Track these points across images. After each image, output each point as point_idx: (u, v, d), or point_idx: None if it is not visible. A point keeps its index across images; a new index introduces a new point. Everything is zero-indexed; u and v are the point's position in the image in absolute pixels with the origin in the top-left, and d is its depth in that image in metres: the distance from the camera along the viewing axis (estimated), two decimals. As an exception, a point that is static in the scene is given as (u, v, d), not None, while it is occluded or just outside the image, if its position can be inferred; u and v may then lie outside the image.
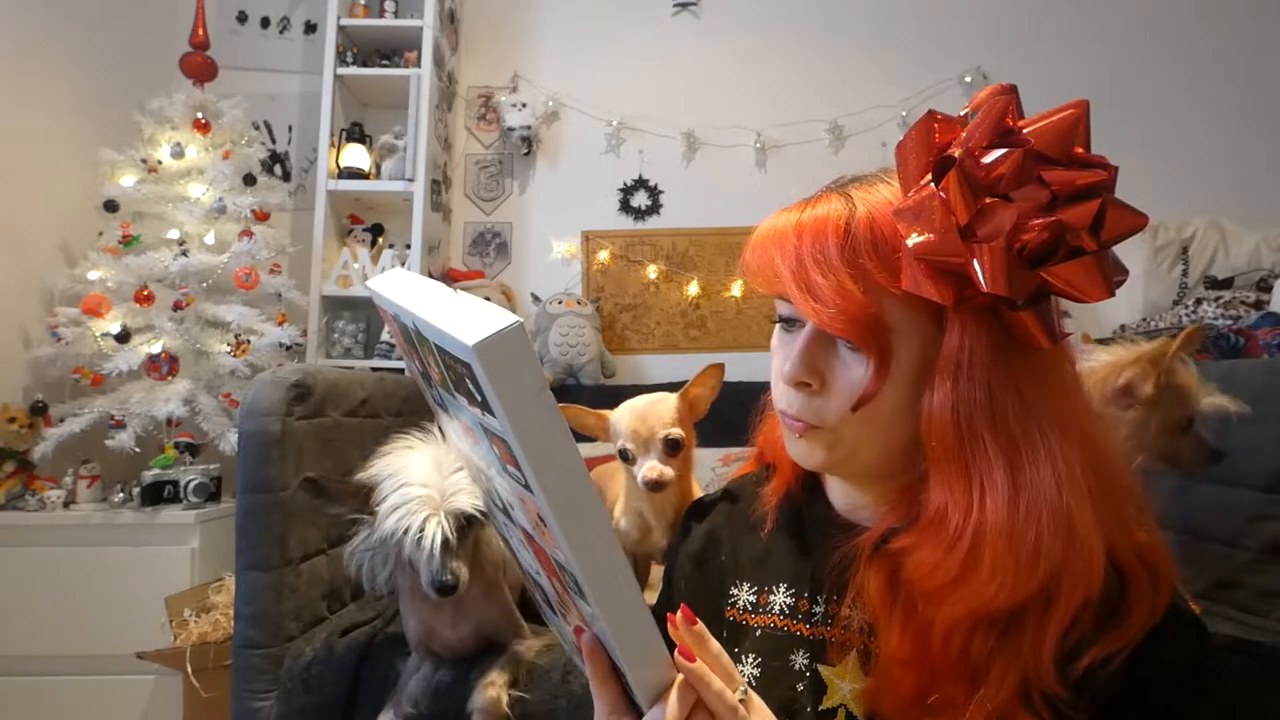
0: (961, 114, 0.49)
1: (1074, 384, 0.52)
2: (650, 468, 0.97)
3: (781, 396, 0.56)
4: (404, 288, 0.48)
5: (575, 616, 0.51)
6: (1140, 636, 0.46)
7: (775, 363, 0.57)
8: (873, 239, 0.49)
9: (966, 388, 0.47)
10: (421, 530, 0.94)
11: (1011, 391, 0.47)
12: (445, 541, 0.94)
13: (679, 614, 0.48)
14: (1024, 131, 0.46)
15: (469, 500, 0.97)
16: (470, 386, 0.39)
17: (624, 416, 1.01)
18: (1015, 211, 0.44)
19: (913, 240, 0.46)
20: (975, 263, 0.45)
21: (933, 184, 0.47)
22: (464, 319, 0.37)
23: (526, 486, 0.41)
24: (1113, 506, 0.49)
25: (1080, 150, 0.46)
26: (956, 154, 0.45)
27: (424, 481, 0.97)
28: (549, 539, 0.44)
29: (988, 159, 0.45)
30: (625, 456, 1.01)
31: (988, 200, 0.45)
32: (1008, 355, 0.47)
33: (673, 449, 0.99)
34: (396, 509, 0.95)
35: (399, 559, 1.00)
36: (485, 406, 0.39)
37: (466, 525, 0.99)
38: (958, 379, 0.47)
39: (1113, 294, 0.45)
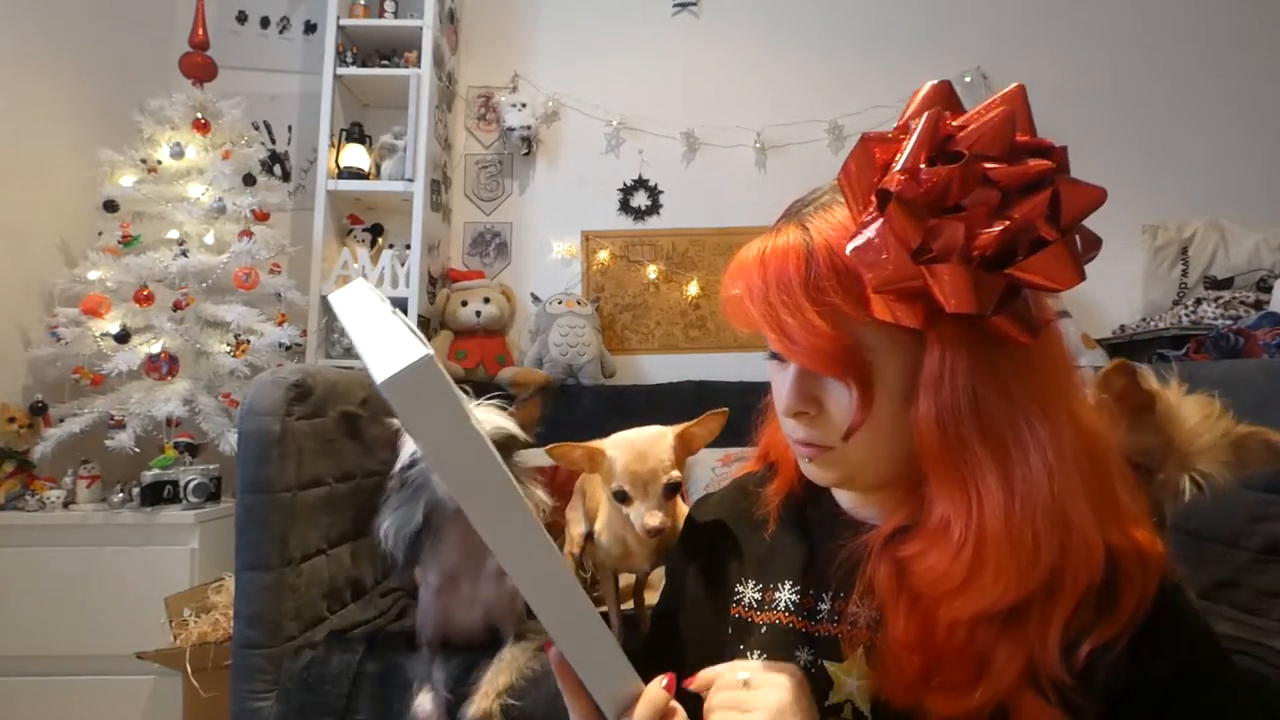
0: (901, 124, 0.49)
1: (1063, 368, 0.52)
2: (651, 515, 0.91)
3: (785, 425, 0.57)
4: (353, 307, 0.47)
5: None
6: (1133, 621, 0.47)
7: (774, 392, 0.58)
8: (834, 270, 0.49)
9: (950, 397, 0.47)
10: None
11: (996, 392, 0.47)
12: None
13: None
14: (961, 134, 0.46)
15: (502, 423, 1.01)
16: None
17: (621, 455, 0.94)
18: (964, 225, 0.44)
19: (869, 275, 0.46)
20: (934, 284, 0.44)
21: (879, 211, 0.46)
22: (381, 351, 0.36)
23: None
24: (1103, 491, 0.49)
25: (1024, 139, 0.45)
26: (893, 184, 0.45)
27: None
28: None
29: (927, 175, 0.45)
30: (621, 498, 0.95)
31: (932, 221, 0.45)
32: (990, 356, 0.47)
33: (672, 493, 0.94)
34: None
35: (426, 497, 1.00)
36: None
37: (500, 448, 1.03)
38: (940, 390, 0.47)
39: (1083, 276, 0.45)
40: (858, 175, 0.48)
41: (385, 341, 0.38)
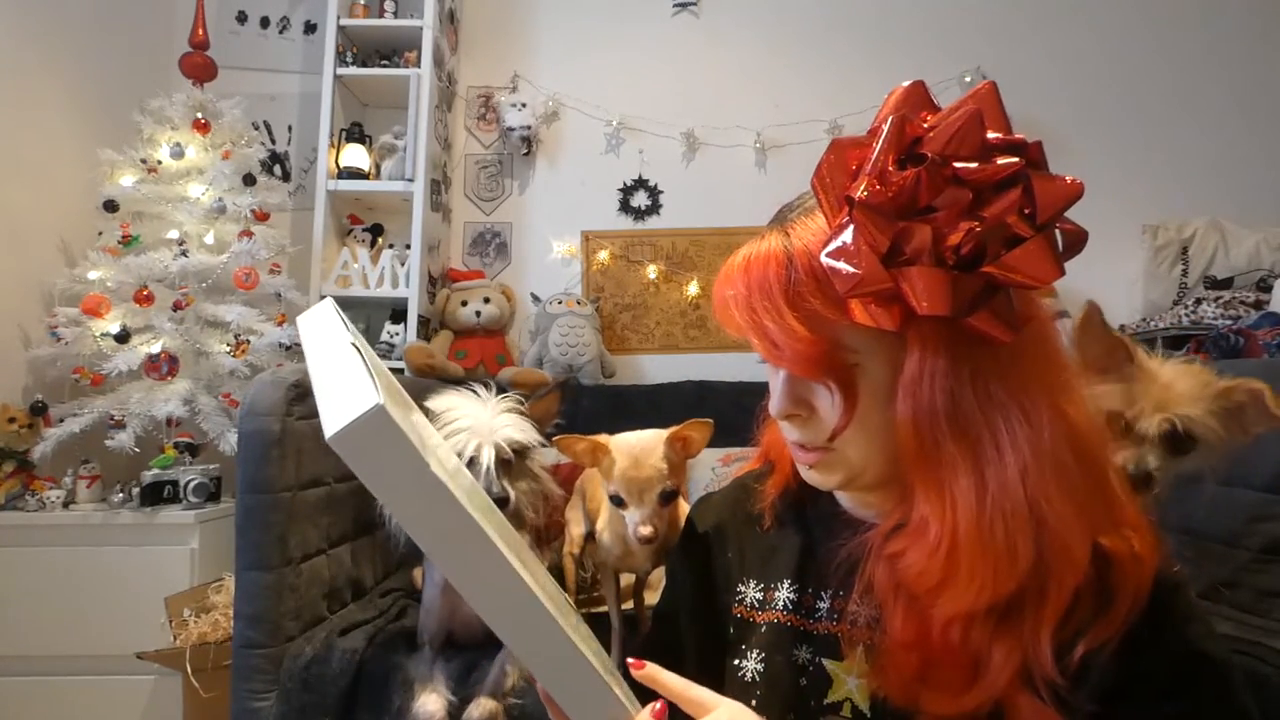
0: (873, 127, 0.49)
1: (1052, 366, 0.51)
2: (643, 525, 0.91)
3: (780, 425, 0.57)
4: (317, 334, 0.46)
5: None
6: (1128, 620, 0.47)
7: (771, 390, 0.58)
8: (813, 275, 0.49)
9: (927, 398, 0.47)
10: (474, 455, 1.02)
11: (973, 393, 0.47)
12: (497, 461, 1.03)
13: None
14: (930, 135, 0.45)
15: (517, 432, 1.05)
16: None
17: (620, 459, 0.93)
18: (931, 227, 0.44)
19: (839, 280, 0.46)
20: (906, 287, 0.44)
21: (849, 216, 0.46)
22: (333, 400, 0.35)
23: None
24: (1094, 491, 0.49)
25: (996, 137, 0.45)
26: (858, 191, 0.45)
27: (473, 417, 1.05)
28: None
29: (896, 179, 0.45)
30: (617, 502, 0.95)
31: (901, 225, 0.45)
32: (972, 355, 0.47)
33: (667, 500, 0.94)
34: (448, 440, 1.01)
35: None
36: None
37: (515, 456, 1.07)
38: (918, 391, 0.48)
39: (1063, 271, 0.45)
40: (830, 180, 0.48)
41: (338, 385, 0.36)
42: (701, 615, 0.67)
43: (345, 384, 0.36)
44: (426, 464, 0.35)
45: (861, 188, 0.45)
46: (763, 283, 0.50)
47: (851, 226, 0.46)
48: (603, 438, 0.97)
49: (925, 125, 0.46)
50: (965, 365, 0.47)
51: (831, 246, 0.47)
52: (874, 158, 0.46)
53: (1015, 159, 0.44)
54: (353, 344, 0.42)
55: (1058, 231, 0.46)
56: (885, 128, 0.46)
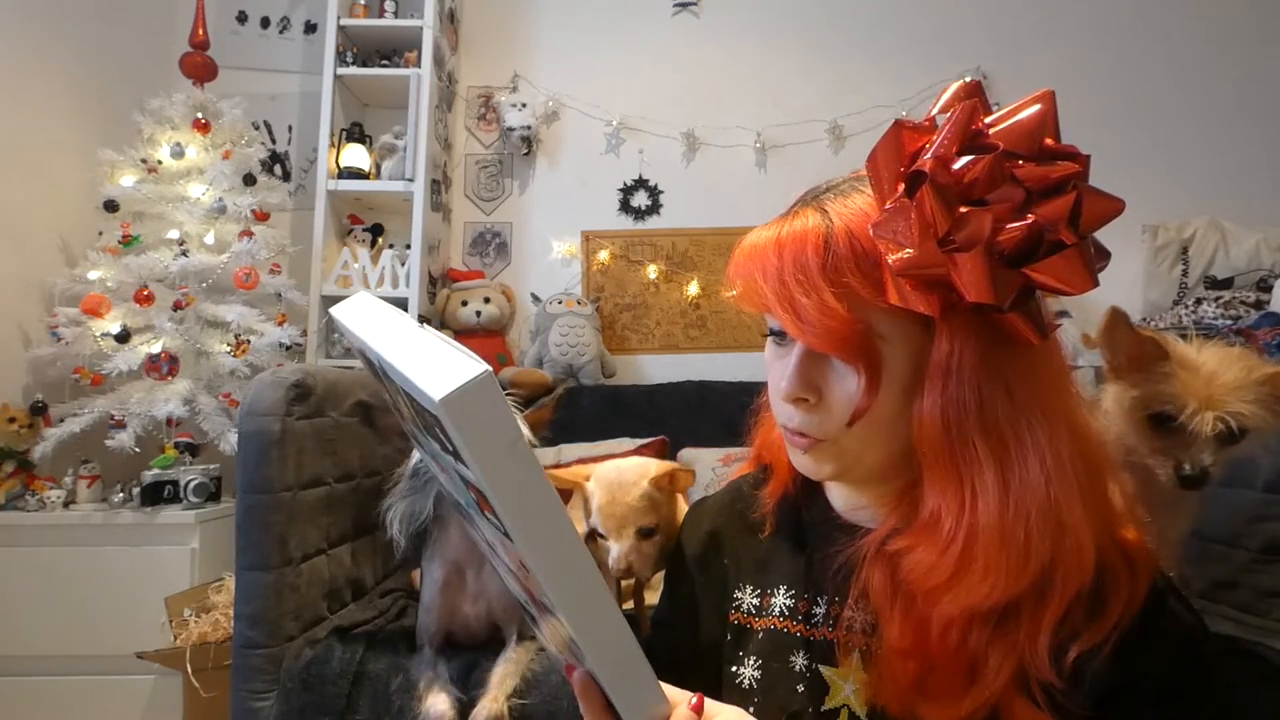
0: (930, 117, 0.49)
1: (1062, 373, 0.52)
2: (619, 559, 0.91)
3: (781, 412, 0.56)
4: (368, 320, 0.45)
5: (566, 653, 0.50)
6: (1121, 626, 0.47)
7: (771, 377, 0.57)
8: (853, 253, 0.48)
9: (956, 392, 0.47)
10: None
11: (1001, 391, 0.47)
12: None
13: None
14: (992, 132, 0.46)
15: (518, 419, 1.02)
16: (441, 435, 0.37)
17: (598, 493, 0.92)
18: (992, 216, 0.44)
19: (893, 257, 0.45)
20: (956, 273, 0.44)
21: (906, 196, 0.46)
22: (430, 368, 0.34)
23: (506, 535, 0.39)
24: (1097, 495, 0.50)
25: (1050, 142, 0.45)
26: (927, 168, 0.45)
27: None
28: (533, 582, 0.42)
29: (958, 165, 0.45)
30: (599, 534, 0.94)
31: (962, 209, 0.45)
32: (997, 354, 0.47)
33: (645, 535, 0.93)
34: None
35: (438, 489, 0.99)
36: (458, 456, 0.37)
37: None
38: (947, 384, 0.47)
39: (1097, 283, 0.45)
40: (884, 161, 0.48)
41: (433, 356, 0.36)
42: (699, 621, 0.66)
43: (437, 355, 0.36)
44: (522, 431, 0.36)
45: (930, 165, 0.45)
46: (799, 258, 0.49)
47: (907, 206, 0.45)
48: (583, 472, 0.95)
49: (985, 122, 0.46)
50: (992, 363, 0.47)
51: (883, 225, 0.46)
52: (939, 141, 0.46)
53: (1075, 165, 0.44)
54: (423, 326, 0.42)
55: None
56: (951, 115, 0.46)
